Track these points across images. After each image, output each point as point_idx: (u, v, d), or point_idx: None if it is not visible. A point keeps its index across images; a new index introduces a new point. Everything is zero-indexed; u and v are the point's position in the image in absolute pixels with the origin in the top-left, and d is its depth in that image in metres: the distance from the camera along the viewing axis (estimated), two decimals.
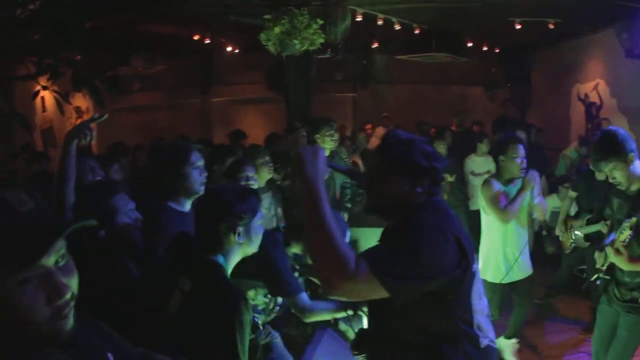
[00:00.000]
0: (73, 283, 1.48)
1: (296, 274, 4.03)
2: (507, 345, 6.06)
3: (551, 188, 9.66)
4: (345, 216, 6.92)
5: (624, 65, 10.75)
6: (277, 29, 7.90)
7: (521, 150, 5.62)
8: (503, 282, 5.73)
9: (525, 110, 15.17)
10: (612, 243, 4.10)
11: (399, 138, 2.65)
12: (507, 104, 14.36)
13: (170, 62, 13.65)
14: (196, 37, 12.08)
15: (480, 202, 5.91)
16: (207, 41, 12.38)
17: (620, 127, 10.62)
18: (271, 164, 5.96)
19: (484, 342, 2.64)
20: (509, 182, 5.67)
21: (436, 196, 2.64)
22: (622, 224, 3.98)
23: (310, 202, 2.19)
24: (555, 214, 8.92)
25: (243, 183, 4.84)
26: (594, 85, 12.38)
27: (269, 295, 4.01)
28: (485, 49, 13.83)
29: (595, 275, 4.45)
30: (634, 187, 4.12)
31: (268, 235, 3.67)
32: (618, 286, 4.30)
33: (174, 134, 12.16)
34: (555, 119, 12.50)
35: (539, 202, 5.83)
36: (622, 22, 10.27)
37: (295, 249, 4.01)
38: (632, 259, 3.97)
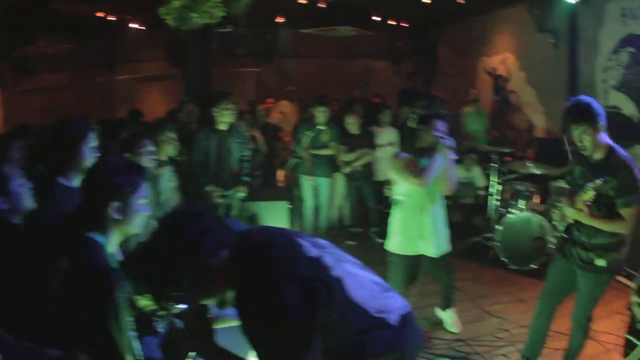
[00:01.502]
0: None
1: None
2: (445, 317, 6.20)
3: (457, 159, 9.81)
4: (245, 190, 6.91)
5: (534, 39, 10.99)
6: (176, 3, 7.77)
7: (441, 126, 5.64)
8: (410, 254, 5.78)
9: (430, 84, 15.37)
10: (573, 202, 4.40)
11: None
12: (412, 77, 14.46)
13: (75, 41, 13.33)
14: (100, 15, 11.81)
15: (390, 174, 5.96)
16: (111, 18, 12.12)
17: (527, 100, 10.94)
18: (175, 140, 6.04)
19: (392, 319, 2.55)
20: (420, 155, 5.68)
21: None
22: (586, 185, 4.20)
23: None
24: (462, 185, 9.13)
25: (144, 158, 4.94)
26: (502, 58, 12.63)
27: None
28: (392, 23, 13.90)
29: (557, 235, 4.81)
30: (597, 155, 4.39)
31: None
32: (575, 246, 4.55)
33: (79, 114, 11.90)
34: (462, 92, 12.69)
35: (449, 174, 5.82)
36: None
37: None
38: (593, 214, 4.28)
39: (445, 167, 5.62)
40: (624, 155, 4.34)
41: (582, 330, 4.74)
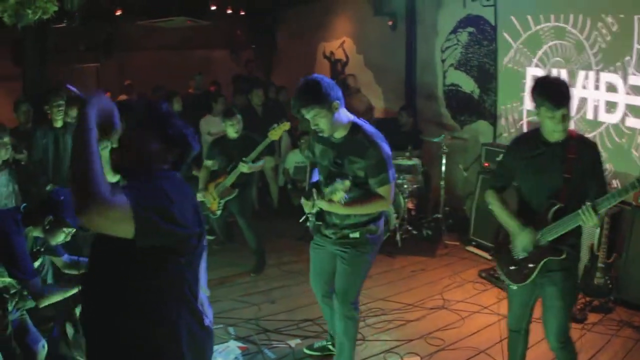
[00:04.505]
0: None
1: (39, 260, 4.02)
2: None
3: (293, 143, 9.94)
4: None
5: (372, 22, 11.07)
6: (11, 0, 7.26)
7: None
8: None
9: (269, 70, 15.42)
10: (322, 194, 4.05)
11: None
12: (250, 65, 14.34)
13: None
14: None
15: None
16: None
17: (366, 82, 11.02)
18: (8, 144, 5.86)
19: (205, 321, 2.63)
20: None
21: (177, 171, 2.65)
22: (335, 183, 3.82)
23: (81, 135, 2.16)
24: (300, 168, 9.00)
25: None
26: (340, 42, 12.73)
27: None
28: (229, 12, 13.69)
29: (304, 217, 4.61)
30: (338, 135, 4.16)
31: (7, 216, 3.71)
32: (328, 228, 4.40)
33: None
34: (300, 77, 12.58)
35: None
36: None
37: (36, 232, 3.88)
38: (347, 203, 3.95)
39: None
40: (370, 132, 4.12)
41: (347, 318, 4.48)
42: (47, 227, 3.77)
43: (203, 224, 2.54)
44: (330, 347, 5.17)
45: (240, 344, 5.27)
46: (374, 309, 5.98)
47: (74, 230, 3.89)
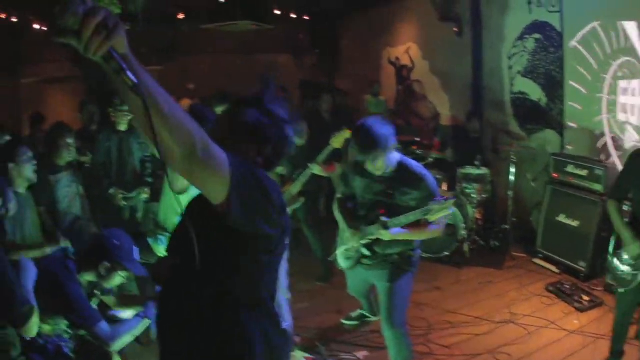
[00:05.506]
0: None
1: (94, 302, 3.80)
2: None
3: None
4: (147, 191, 6.65)
5: (438, 28, 10.93)
6: None
7: None
8: None
9: (333, 75, 15.35)
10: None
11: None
12: (314, 69, 14.36)
13: None
14: (2, 16, 11.36)
15: None
16: (14, 19, 11.58)
17: (432, 88, 10.98)
18: (72, 146, 5.80)
19: (283, 325, 2.54)
20: None
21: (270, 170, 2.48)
22: (433, 205, 4.12)
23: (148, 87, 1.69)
24: None
25: (26, 166, 4.76)
26: (405, 48, 12.61)
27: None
28: (294, 16, 13.77)
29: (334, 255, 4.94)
30: (388, 170, 4.39)
31: (56, 263, 3.57)
32: (369, 258, 4.59)
33: None
34: (365, 83, 12.64)
35: None
36: None
37: (90, 277, 3.72)
38: (406, 229, 4.31)
39: None
40: (417, 166, 4.41)
41: (397, 342, 4.57)
42: (102, 274, 3.68)
43: (288, 223, 2.40)
44: (366, 313, 5.67)
45: (306, 355, 5.22)
46: (442, 322, 5.94)
47: (131, 274, 3.82)
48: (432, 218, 4.17)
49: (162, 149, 1.76)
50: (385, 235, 4.27)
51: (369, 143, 4.15)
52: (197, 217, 2.13)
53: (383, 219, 4.27)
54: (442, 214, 4.16)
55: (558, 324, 5.81)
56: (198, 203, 2.15)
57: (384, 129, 4.19)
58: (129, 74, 1.56)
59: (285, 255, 2.45)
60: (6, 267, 3.13)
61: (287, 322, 2.78)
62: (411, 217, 4.19)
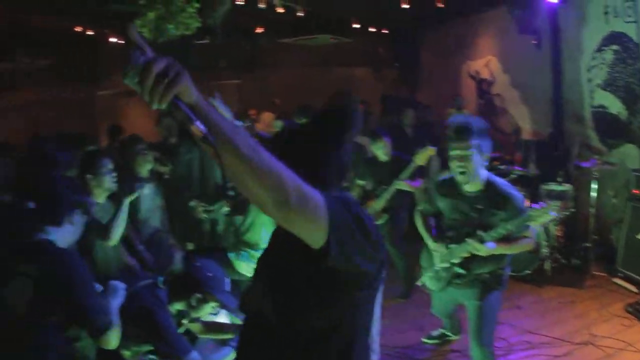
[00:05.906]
0: None
1: (181, 329, 3.81)
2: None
3: (443, 164, 9.71)
4: (229, 204, 6.81)
5: (517, 41, 10.78)
6: (151, 14, 7.55)
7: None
8: None
9: (414, 89, 15.25)
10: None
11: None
12: (395, 83, 14.38)
13: (53, 56, 13.15)
14: (79, 29, 11.63)
15: None
16: (90, 32, 11.96)
17: (512, 102, 10.91)
18: (147, 152, 5.92)
19: (373, 358, 2.45)
20: None
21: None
22: (534, 211, 4.15)
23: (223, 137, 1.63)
24: None
25: (105, 177, 4.82)
26: (485, 62, 12.49)
27: None
28: (373, 30, 13.78)
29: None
30: (471, 188, 4.43)
31: (146, 293, 3.59)
32: (460, 277, 4.60)
33: (59, 131, 11.76)
34: (446, 97, 12.62)
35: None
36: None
37: (180, 307, 3.78)
38: (499, 243, 4.27)
39: None
40: (504, 184, 4.41)
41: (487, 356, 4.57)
42: (193, 304, 3.70)
43: (385, 257, 2.25)
44: (448, 332, 5.68)
45: None
46: (522, 342, 5.83)
47: (221, 303, 3.78)
48: (534, 223, 4.19)
49: (252, 199, 1.73)
50: (482, 250, 4.25)
51: (465, 129, 4.21)
52: (287, 251, 2.08)
53: (479, 232, 4.28)
54: (543, 219, 4.13)
55: (636, 346, 5.65)
56: (288, 237, 1.94)
57: (482, 124, 4.29)
58: (197, 123, 1.54)
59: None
60: (86, 274, 3.04)
61: (376, 354, 2.76)
62: (509, 226, 4.18)
